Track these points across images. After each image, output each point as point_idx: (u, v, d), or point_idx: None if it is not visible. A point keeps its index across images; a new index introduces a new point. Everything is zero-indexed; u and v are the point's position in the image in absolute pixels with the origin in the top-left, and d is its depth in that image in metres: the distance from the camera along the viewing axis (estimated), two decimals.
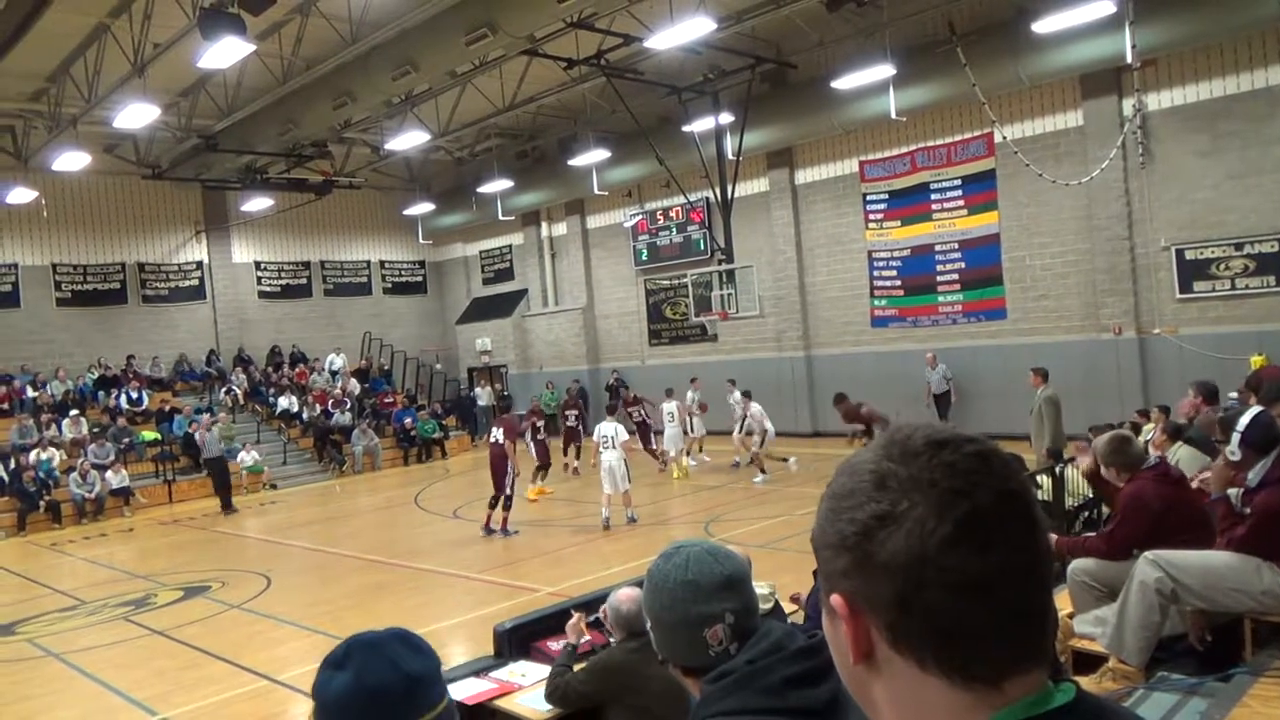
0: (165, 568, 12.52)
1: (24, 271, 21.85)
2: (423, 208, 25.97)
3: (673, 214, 22.26)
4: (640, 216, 23.10)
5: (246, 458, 19.82)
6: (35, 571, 13.36)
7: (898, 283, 18.46)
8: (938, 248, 17.76)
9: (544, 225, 25.98)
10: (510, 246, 27.12)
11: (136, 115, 15.44)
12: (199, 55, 12.85)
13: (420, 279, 28.96)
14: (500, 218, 24.83)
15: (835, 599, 0.82)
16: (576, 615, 4.39)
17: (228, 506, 17.16)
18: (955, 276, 17.60)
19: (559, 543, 12.02)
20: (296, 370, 24.34)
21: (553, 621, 5.13)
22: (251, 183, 22.37)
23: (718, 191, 17.78)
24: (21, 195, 19.79)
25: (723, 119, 17.85)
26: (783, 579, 4.96)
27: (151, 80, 15.08)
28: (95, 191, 21.16)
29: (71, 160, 17.95)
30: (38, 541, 15.94)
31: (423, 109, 19.04)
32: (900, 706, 0.82)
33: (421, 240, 27.83)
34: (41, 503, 17.13)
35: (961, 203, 17.36)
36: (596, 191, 22.20)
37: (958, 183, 17.37)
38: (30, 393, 20.41)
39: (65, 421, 19.55)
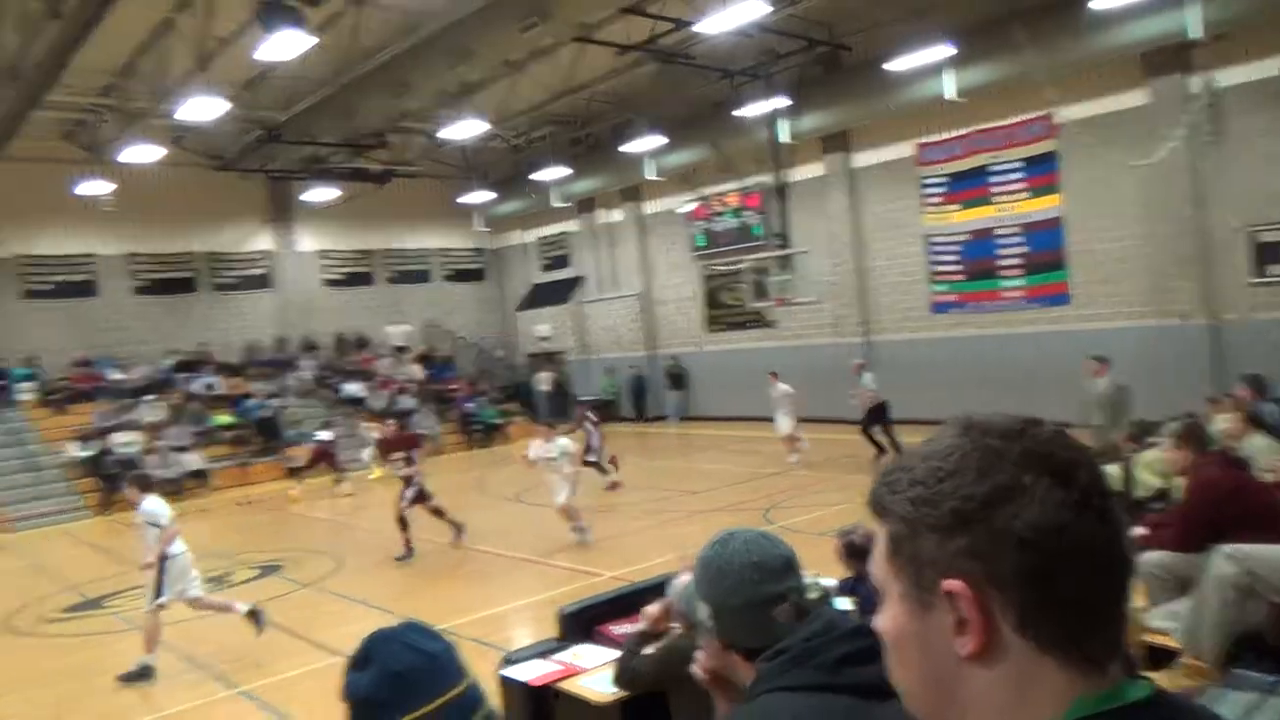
0: (240, 547, 13.00)
1: (101, 262, 22.73)
2: (479, 196, 26.31)
3: (729, 200, 22.23)
4: (696, 202, 23.12)
5: (321, 437, 20.41)
6: (119, 549, 13.97)
7: (958, 267, 18.23)
8: (998, 232, 17.49)
9: (599, 212, 26.14)
10: (566, 233, 27.35)
11: (202, 108, 15.86)
12: (258, 48, 13.23)
13: (479, 266, 29.38)
14: (556, 205, 25.05)
15: (953, 583, 0.78)
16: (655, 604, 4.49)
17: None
18: (1017, 261, 17.32)
19: (620, 528, 12.20)
20: (362, 356, 24.95)
21: (615, 605, 5.27)
22: (314, 173, 22.96)
23: (773, 176, 17.72)
24: (97, 188, 20.49)
25: (777, 103, 17.76)
26: (837, 570, 5.03)
27: (216, 73, 15.52)
28: (166, 183, 21.81)
29: (142, 153, 18.49)
30: (121, 520, 16.65)
31: (478, 98, 19.28)
32: (996, 699, 0.79)
33: (480, 228, 28.19)
34: (123, 484, 17.87)
35: (1022, 185, 17.06)
36: (651, 177, 22.26)
37: (1018, 165, 17.06)
38: (112, 377, 21.26)
39: (144, 406, 20.34)
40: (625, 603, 5.22)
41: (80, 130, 20.47)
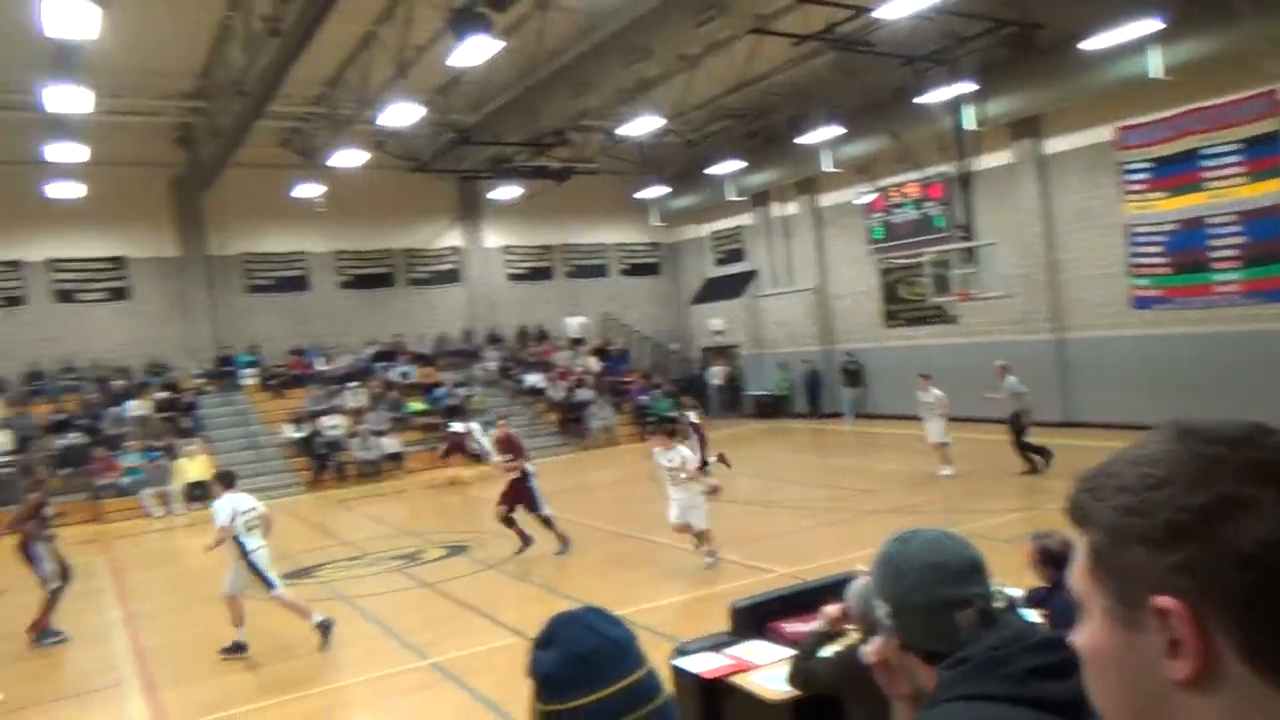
0: (431, 527, 13.87)
1: (312, 259, 24.73)
2: (655, 190, 26.68)
3: (908, 190, 21.53)
4: (874, 194, 22.53)
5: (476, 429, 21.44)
6: (326, 523, 15.23)
7: (1164, 260, 16.90)
8: (1211, 220, 16.07)
9: (774, 205, 25.94)
10: (740, 227, 27.32)
11: (400, 114, 16.96)
12: (449, 54, 13.96)
13: (655, 260, 29.83)
14: (730, 198, 25.06)
15: (1166, 601, 0.71)
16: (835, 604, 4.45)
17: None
18: (1234, 252, 15.87)
19: (792, 525, 12.14)
20: (542, 348, 25.93)
21: (788, 603, 5.27)
22: (500, 172, 24.04)
23: (957, 165, 17.03)
24: (309, 191, 22.49)
25: (961, 88, 17.03)
26: (1023, 579, 4.84)
27: (413, 80, 16.51)
28: (369, 185, 23.45)
29: (348, 157, 20.08)
30: (328, 497, 18.12)
31: (654, 94, 19.56)
32: None
33: (655, 222, 28.61)
34: (330, 463, 19.50)
35: (1240, 169, 15.59)
36: (828, 169, 21.87)
37: (1235, 147, 15.60)
38: (320, 366, 23.13)
39: (348, 392, 22.01)
40: (799, 601, 5.20)
41: (295, 137, 22.34)
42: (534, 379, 24.30)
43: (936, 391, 14.49)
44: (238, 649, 8.33)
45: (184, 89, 19.04)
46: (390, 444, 20.18)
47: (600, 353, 26.46)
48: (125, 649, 9.14)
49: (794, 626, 4.89)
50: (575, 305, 27.72)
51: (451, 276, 26.73)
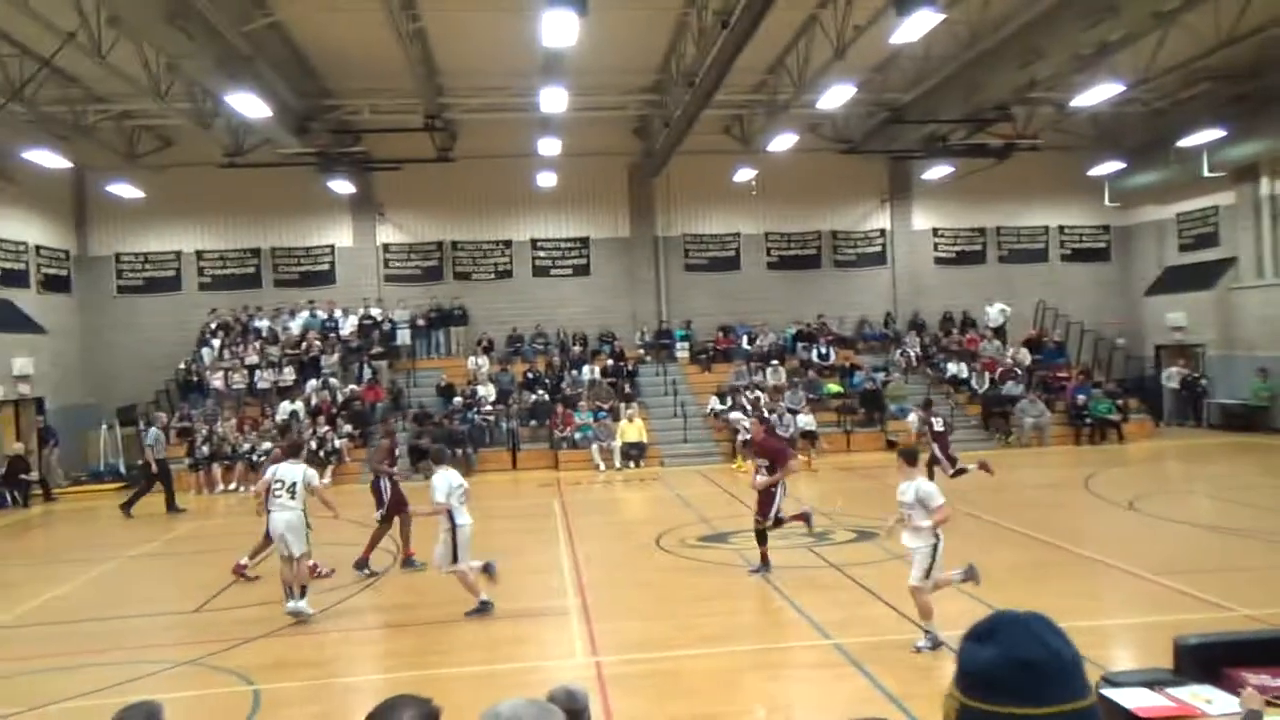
0: (841, 508, 13.95)
1: (743, 239, 26.03)
2: (1110, 166, 23.98)
3: None
4: None
5: (915, 419, 20.86)
6: (743, 493, 16.02)
7: None
8: None
9: (1263, 181, 21.99)
10: (1217, 208, 23.59)
11: (836, 96, 17.14)
12: (891, 32, 13.73)
13: (1103, 245, 26.93)
14: (1205, 174, 21.72)
15: None
16: None
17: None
18: None
19: (1267, 560, 10.33)
20: (966, 336, 24.73)
21: (1253, 649, 4.55)
22: (933, 151, 23.26)
23: None
24: (745, 174, 23.77)
25: None
26: None
27: (850, 62, 16.51)
28: (799, 168, 24.07)
29: (783, 141, 20.83)
30: (747, 470, 19.02)
31: (1116, 59, 17.52)
32: None
33: (1107, 203, 25.79)
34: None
35: None
36: None
37: None
38: (745, 344, 24.33)
39: (768, 370, 22.93)
40: (1268, 648, 4.47)
41: (735, 124, 23.59)
42: (956, 368, 23.26)
43: None
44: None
45: (643, 84, 20.96)
46: (807, 422, 20.63)
47: (1033, 344, 24.53)
48: (570, 581, 10.47)
49: (1261, 679, 4.21)
50: (1007, 292, 25.97)
51: (877, 259, 26.49)
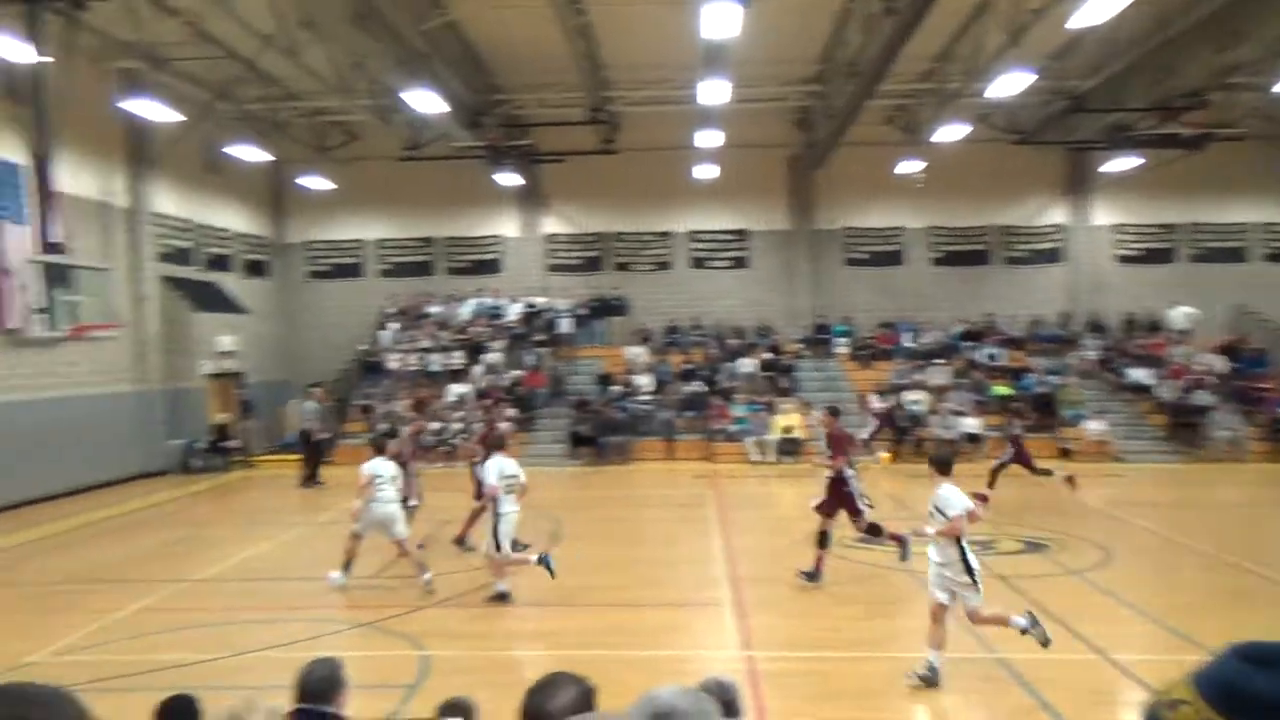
0: (1009, 518, 13.34)
1: (908, 234, 25.26)
2: None
3: None
4: None
5: (1093, 426, 19.76)
6: (900, 494, 15.61)
7: None
8: None
9: None
10: None
11: (1010, 84, 16.34)
12: (1071, 14, 12.96)
13: None
14: None
15: None
16: None
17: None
18: None
19: None
20: (1153, 340, 23.11)
21: None
22: (1116, 142, 21.78)
23: None
24: (910, 166, 22.93)
25: None
26: None
27: (1026, 48, 15.71)
28: (968, 159, 23.07)
29: (950, 132, 20.02)
30: (903, 471, 18.51)
31: None
32: None
33: None
34: (909, 437, 19.92)
35: None
36: None
37: None
38: (907, 342, 23.63)
39: (933, 368, 22.17)
40: None
41: (900, 115, 22.87)
42: (1140, 374, 21.76)
43: None
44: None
45: (804, 74, 20.65)
46: (972, 424, 19.84)
47: (1229, 351, 22.63)
48: (723, 574, 10.50)
49: None
50: (1198, 293, 24.08)
51: (1052, 256, 25.14)
